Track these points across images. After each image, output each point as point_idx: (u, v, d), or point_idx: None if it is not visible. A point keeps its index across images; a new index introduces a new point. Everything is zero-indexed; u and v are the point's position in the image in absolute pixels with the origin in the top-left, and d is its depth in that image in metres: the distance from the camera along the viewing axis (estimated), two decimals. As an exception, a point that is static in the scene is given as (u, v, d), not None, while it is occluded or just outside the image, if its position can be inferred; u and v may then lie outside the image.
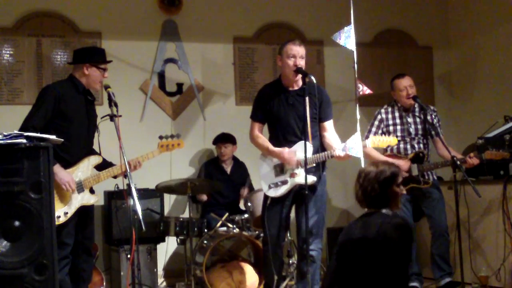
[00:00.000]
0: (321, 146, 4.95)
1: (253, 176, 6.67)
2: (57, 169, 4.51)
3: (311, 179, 4.78)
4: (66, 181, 4.58)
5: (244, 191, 6.51)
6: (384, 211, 3.56)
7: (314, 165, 4.85)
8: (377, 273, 3.38)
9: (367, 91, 5.01)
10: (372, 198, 3.58)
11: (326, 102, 5.01)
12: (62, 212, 4.61)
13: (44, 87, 5.04)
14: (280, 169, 4.91)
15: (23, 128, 4.46)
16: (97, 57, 4.90)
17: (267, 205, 4.97)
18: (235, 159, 6.81)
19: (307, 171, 4.56)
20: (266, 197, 5.00)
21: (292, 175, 4.83)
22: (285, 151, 4.83)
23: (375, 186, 3.56)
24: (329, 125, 5.02)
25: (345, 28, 5.05)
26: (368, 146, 4.98)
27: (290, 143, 4.89)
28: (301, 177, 4.66)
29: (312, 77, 4.61)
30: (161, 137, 5.10)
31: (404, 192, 3.69)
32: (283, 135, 4.94)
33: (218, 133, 6.77)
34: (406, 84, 5.70)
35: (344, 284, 3.51)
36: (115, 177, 4.87)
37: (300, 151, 4.67)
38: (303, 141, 4.59)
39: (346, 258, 3.57)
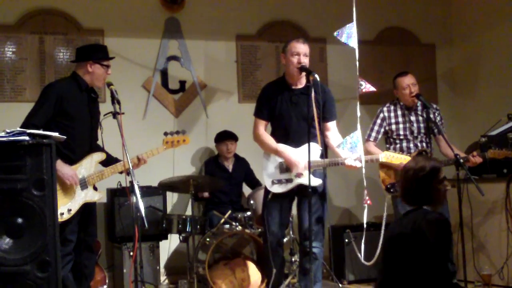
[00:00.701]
0: (323, 146, 4.95)
1: (256, 173, 6.67)
2: (60, 164, 4.51)
3: (317, 182, 4.79)
4: (69, 175, 4.58)
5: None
6: (425, 207, 3.52)
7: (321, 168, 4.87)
8: (416, 270, 3.37)
9: (369, 88, 5.00)
10: (412, 195, 3.56)
11: (330, 102, 5.01)
12: (66, 209, 4.61)
13: (46, 85, 5.04)
14: (286, 167, 4.91)
15: (24, 125, 4.46)
16: (100, 54, 4.90)
17: (268, 200, 4.97)
18: (235, 156, 6.81)
19: (313, 173, 4.56)
20: (267, 192, 4.99)
21: (298, 175, 4.83)
22: (292, 154, 4.82)
23: (414, 183, 3.52)
24: (332, 125, 5.03)
25: (348, 26, 5.04)
26: (381, 160, 5.00)
27: (293, 143, 4.89)
28: (307, 178, 4.66)
29: (316, 75, 4.61)
30: (166, 134, 5.10)
31: (449, 188, 3.65)
32: (286, 134, 4.94)
33: (220, 131, 6.76)
34: (409, 82, 5.68)
35: (388, 280, 3.51)
36: (121, 172, 4.86)
37: (307, 153, 4.63)
38: (311, 143, 4.55)
39: (388, 254, 3.57)
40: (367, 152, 5.25)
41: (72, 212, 4.65)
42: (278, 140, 4.95)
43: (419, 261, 3.36)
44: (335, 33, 4.94)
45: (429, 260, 3.35)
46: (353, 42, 5.00)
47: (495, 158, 5.47)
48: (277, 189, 4.90)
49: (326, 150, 4.95)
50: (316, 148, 4.74)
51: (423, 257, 3.35)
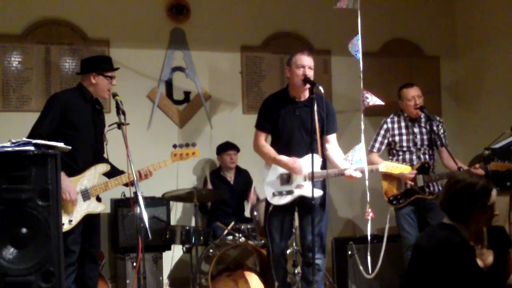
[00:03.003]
0: (323, 158, 4.96)
1: (258, 184, 6.67)
2: (61, 177, 4.51)
3: (318, 193, 4.79)
4: (67, 191, 4.58)
5: (251, 196, 6.51)
6: (458, 226, 3.35)
7: (322, 179, 4.88)
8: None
9: (376, 102, 5.02)
10: (452, 209, 3.38)
11: (332, 115, 5.03)
12: (67, 220, 4.61)
13: (51, 95, 5.07)
14: (287, 178, 4.92)
15: (31, 135, 4.49)
16: (103, 66, 4.93)
17: (269, 212, 4.97)
18: (237, 168, 6.82)
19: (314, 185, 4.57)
20: (268, 204, 5.00)
21: (299, 187, 4.84)
22: (293, 160, 4.83)
23: (459, 197, 3.34)
24: (332, 138, 5.04)
25: (353, 37, 5.07)
26: (381, 170, 5.00)
27: (294, 155, 4.90)
28: (307, 189, 4.65)
29: (320, 88, 4.62)
30: (175, 146, 5.10)
31: (497, 214, 3.44)
32: (288, 146, 4.94)
33: (220, 144, 6.78)
34: (414, 94, 5.70)
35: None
36: (126, 184, 4.87)
37: (309, 163, 4.64)
38: (313, 154, 4.58)
39: (412, 261, 3.46)
40: (370, 163, 5.25)
41: (73, 223, 4.65)
42: (279, 151, 4.96)
43: (438, 282, 3.25)
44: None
45: (446, 283, 3.23)
46: (358, 54, 5.03)
47: (497, 171, 5.47)
48: (277, 201, 4.91)
49: (325, 162, 4.96)
50: (317, 160, 4.75)
51: (442, 279, 3.24)
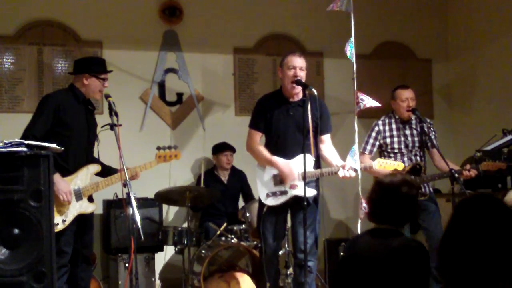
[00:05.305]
0: (317, 158, 4.98)
1: (252, 185, 6.68)
2: (57, 178, 4.53)
3: (312, 193, 4.81)
4: (64, 192, 4.59)
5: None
6: (401, 230, 3.20)
7: (315, 178, 4.89)
8: None
9: (370, 104, 5.05)
10: (390, 213, 3.19)
11: (326, 115, 5.04)
12: (60, 219, 4.62)
13: (44, 96, 5.08)
14: (280, 179, 4.92)
15: (24, 137, 4.49)
16: (96, 67, 4.94)
17: (263, 214, 4.97)
18: (232, 168, 6.83)
19: (307, 184, 4.58)
20: (262, 205, 5.00)
21: (292, 187, 4.85)
22: (288, 168, 4.84)
23: (402, 200, 3.18)
24: (327, 138, 5.06)
25: (345, 40, 5.09)
26: (374, 168, 5.02)
27: (287, 155, 4.91)
28: (301, 189, 4.66)
29: (313, 89, 4.64)
30: (158, 148, 5.13)
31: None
32: (281, 146, 4.95)
33: (217, 143, 6.78)
34: (408, 96, 5.73)
35: None
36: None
37: (301, 163, 4.65)
38: (305, 154, 4.60)
39: (350, 273, 3.22)
40: (361, 164, 5.28)
41: (67, 223, 4.66)
42: (273, 151, 4.96)
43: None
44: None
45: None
46: (351, 56, 5.06)
47: (488, 171, 5.50)
48: (271, 202, 4.91)
49: (320, 162, 4.97)
50: (309, 159, 4.76)
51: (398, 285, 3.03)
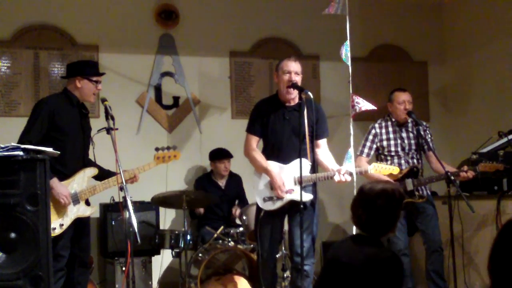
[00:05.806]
0: (313, 162, 4.98)
1: (248, 189, 6.68)
2: (54, 183, 4.53)
3: (308, 197, 4.81)
4: (63, 195, 4.60)
5: (236, 211, 6.50)
6: (380, 238, 3.17)
7: (311, 183, 4.89)
8: None
9: (366, 107, 5.05)
10: (365, 223, 3.17)
11: (322, 120, 5.05)
12: (58, 224, 4.62)
13: (38, 101, 5.07)
14: None
15: (20, 143, 4.46)
16: (89, 70, 4.94)
17: (260, 218, 4.98)
18: (229, 172, 6.83)
19: (304, 189, 4.58)
20: (259, 210, 5.01)
21: (289, 191, 4.85)
22: (278, 176, 4.84)
23: (382, 209, 3.14)
24: (323, 142, 5.06)
25: (341, 43, 5.10)
26: (370, 171, 5.02)
27: (284, 159, 4.92)
28: (297, 194, 4.66)
29: (309, 93, 4.65)
30: (157, 149, 5.12)
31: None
32: (278, 151, 4.96)
33: (213, 147, 6.78)
34: (405, 99, 5.73)
35: None
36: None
37: (297, 168, 4.65)
38: (301, 159, 4.60)
39: (329, 277, 3.23)
40: (358, 167, 5.28)
41: (64, 227, 4.66)
42: (269, 156, 4.97)
43: None
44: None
45: None
46: (347, 59, 5.07)
47: (486, 172, 5.51)
48: (269, 206, 4.91)
49: (316, 166, 4.98)
50: (305, 164, 4.77)
51: None
